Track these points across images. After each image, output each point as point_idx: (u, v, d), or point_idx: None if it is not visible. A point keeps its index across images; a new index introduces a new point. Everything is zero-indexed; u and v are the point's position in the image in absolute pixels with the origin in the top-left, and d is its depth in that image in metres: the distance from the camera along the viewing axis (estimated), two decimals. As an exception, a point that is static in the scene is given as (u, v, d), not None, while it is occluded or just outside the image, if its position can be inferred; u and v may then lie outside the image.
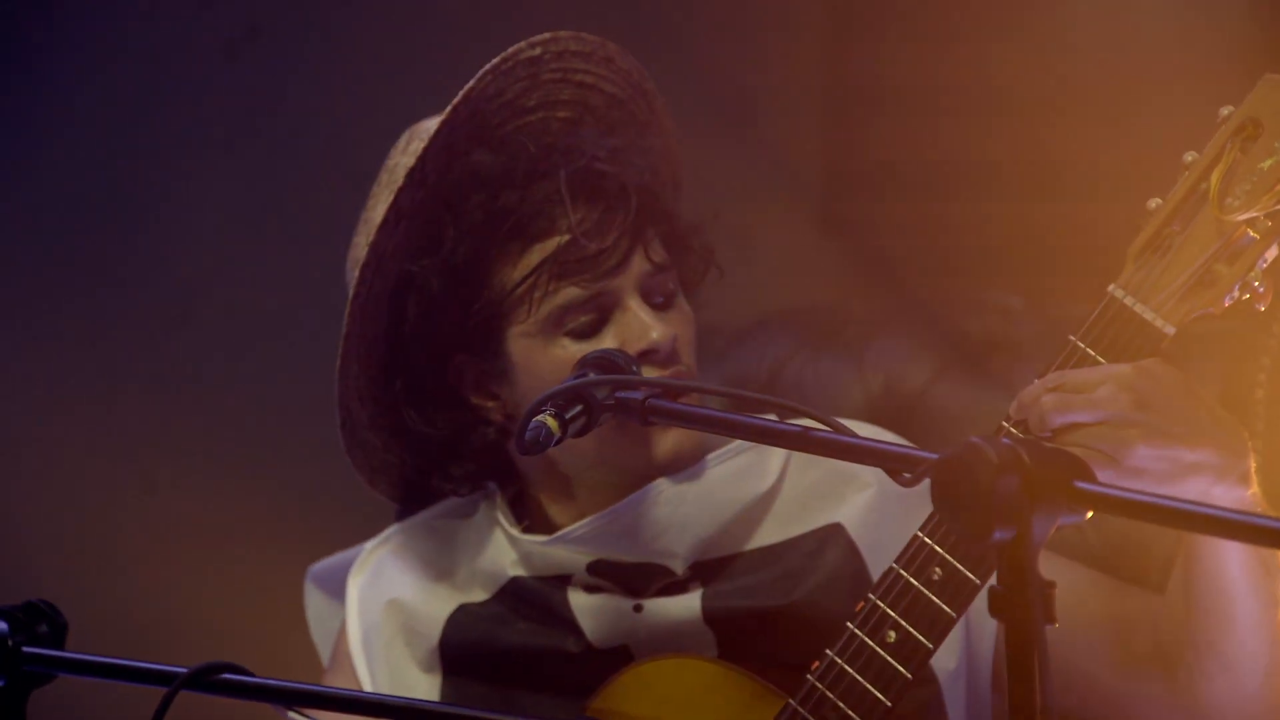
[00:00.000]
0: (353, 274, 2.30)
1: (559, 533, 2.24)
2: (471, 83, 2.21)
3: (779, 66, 3.60)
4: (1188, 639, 2.04)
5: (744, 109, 3.56)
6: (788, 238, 3.55)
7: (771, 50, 3.59)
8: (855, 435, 1.80)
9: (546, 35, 2.25)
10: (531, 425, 1.95)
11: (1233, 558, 1.97)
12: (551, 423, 1.95)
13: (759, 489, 2.25)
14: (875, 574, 2.15)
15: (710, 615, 2.20)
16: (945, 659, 2.17)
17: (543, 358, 2.19)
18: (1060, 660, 2.03)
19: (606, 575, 2.25)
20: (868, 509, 2.24)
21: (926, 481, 2.12)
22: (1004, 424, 1.93)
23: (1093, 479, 1.57)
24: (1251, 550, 1.97)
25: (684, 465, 2.22)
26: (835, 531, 2.24)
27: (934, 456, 1.63)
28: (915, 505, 2.15)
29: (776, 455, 2.27)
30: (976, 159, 3.47)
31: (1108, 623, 2.13)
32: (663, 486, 2.22)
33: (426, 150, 2.18)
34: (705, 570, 2.24)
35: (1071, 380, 1.88)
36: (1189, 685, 2.06)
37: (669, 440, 2.19)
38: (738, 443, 2.26)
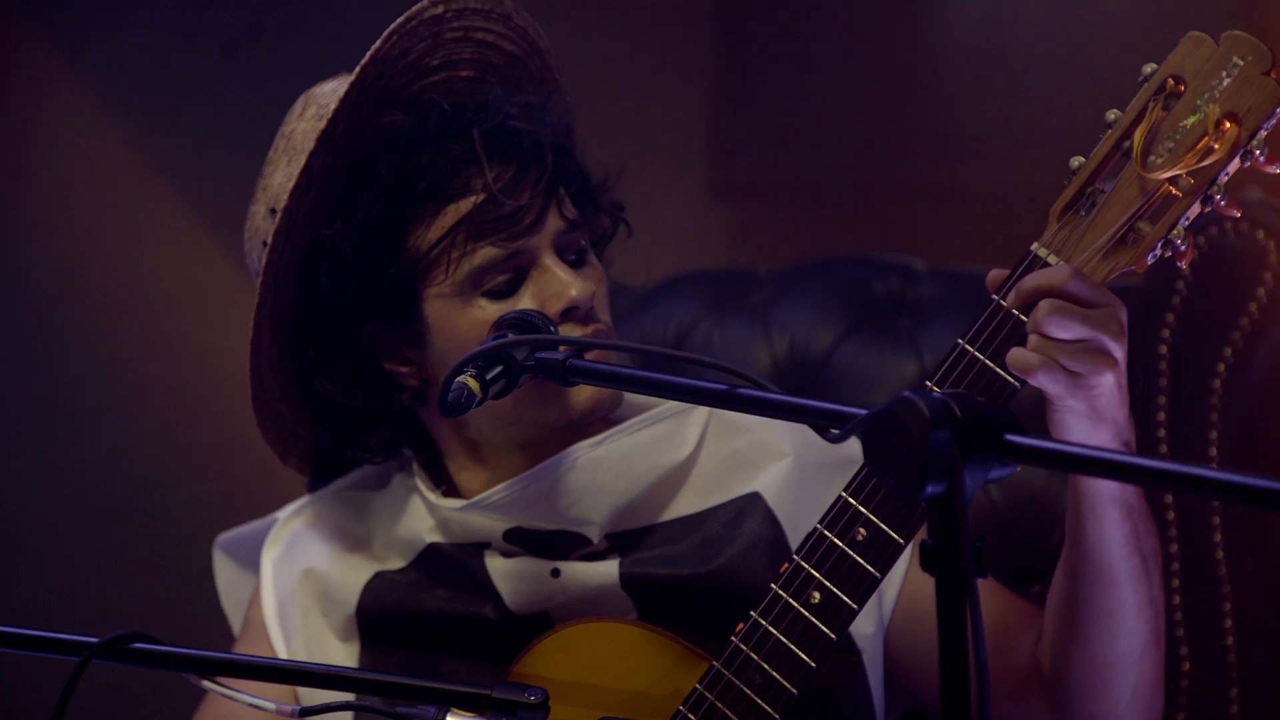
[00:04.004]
0: (254, 242, 2.26)
1: (476, 498, 2.22)
2: (378, 43, 2.18)
3: (665, 27, 3.59)
4: (1067, 640, 2.04)
5: (626, 70, 3.55)
6: (675, 201, 3.55)
7: (657, 8, 3.59)
8: (781, 392, 1.79)
9: None
10: (454, 387, 1.94)
11: (1112, 538, 1.98)
12: (473, 384, 1.94)
13: (676, 457, 2.24)
14: (794, 543, 2.14)
15: (628, 581, 2.19)
16: (863, 624, 2.17)
17: (461, 319, 2.17)
18: (932, 666, 2.05)
19: (523, 543, 2.23)
20: (785, 479, 2.23)
21: (844, 449, 2.15)
22: (928, 384, 1.93)
23: (1022, 432, 1.57)
24: (1131, 542, 1.99)
25: (603, 415, 2.21)
26: (753, 501, 2.23)
27: (863, 412, 1.62)
28: (833, 475, 2.16)
29: (694, 424, 2.26)
30: (867, 123, 3.49)
31: (991, 629, 2.12)
32: (579, 452, 2.20)
33: (337, 113, 2.15)
34: (622, 541, 2.23)
35: (1078, 290, 1.86)
36: (1064, 701, 2.07)
37: (585, 391, 2.18)
38: (655, 410, 2.25)
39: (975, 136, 3.40)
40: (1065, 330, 1.86)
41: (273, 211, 2.21)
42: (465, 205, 2.16)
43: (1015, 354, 1.88)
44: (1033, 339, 1.88)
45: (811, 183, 3.56)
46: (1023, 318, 1.89)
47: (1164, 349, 2.43)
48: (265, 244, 2.20)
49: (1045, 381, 1.87)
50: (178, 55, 3.45)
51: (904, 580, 2.18)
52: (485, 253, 2.16)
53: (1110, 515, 1.97)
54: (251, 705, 1.84)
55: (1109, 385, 1.89)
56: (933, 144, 3.43)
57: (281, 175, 2.23)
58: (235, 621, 2.42)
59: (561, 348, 1.98)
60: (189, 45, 3.45)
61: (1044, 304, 1.86)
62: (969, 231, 3.34)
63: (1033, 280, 1.88)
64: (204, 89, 3.46)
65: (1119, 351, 1.88)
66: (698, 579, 2.18)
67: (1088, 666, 2.03)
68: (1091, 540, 1.98)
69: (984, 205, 3.33)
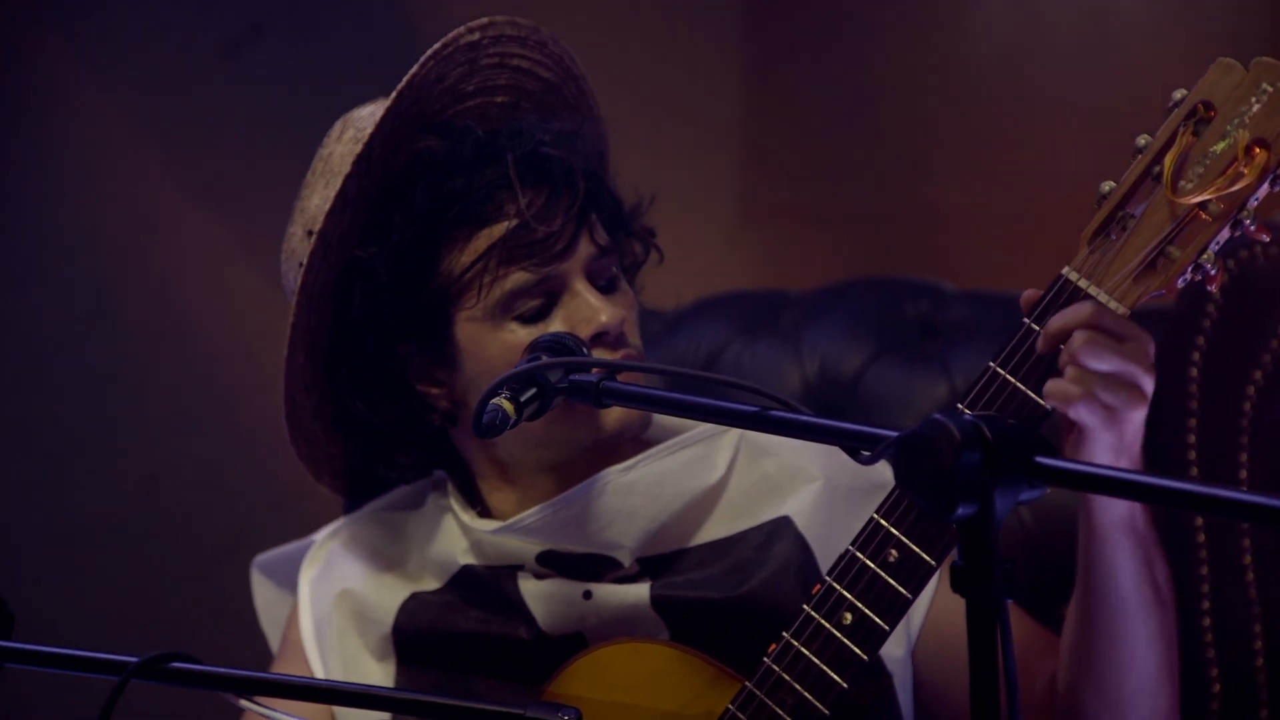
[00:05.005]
0: (290, 263, 2.28)
1: (509, 521, 2.23)
2: (415, 68, 2.21)
3: (696, 52, 3.61)
4: (1080, 673, 2.04)
5: (658, 95, 3.56)
6: (705, 223, 3.56)
7: (687, 34, 3.60)
8: (813, 414, 1.81)
9: (484, 20, 2.25)
10: (489, 409, 1.96)
11: (1124, 568, 1.99)
12: (508, 406, 1.96)
13: (707, 481, 2.25)
14: (824, 566, 2.15)
15: (659, 603, 2.20)
16: (893, 646, 2.17)
17: (492, 343, 2.19)
18: (960, 689, 2.05)
19: (555, 565, 2.24)
20: (815, 502, 2.24)
21: (873, 473, 2.16)
22: (959, 406, 1.94)
23: (1053, 454, 1.58)
24: (1143, 570, 1.99)
25: (633, 436, 2.23)
26: (783, 524, 2.24)
27: (894, 434, 1.63)
28: (862, 498, 2.17)
29: (725, 448, 2.27)
30: (897, 145, 3.49)
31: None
32: (610, 476, 2.21)
33: (373, 136, 2.17)
34: (653, 565, 2.24)
35: (1108, 324, 1.87)
36: None
37: (615, 413, 2.19)
38: (686, 434, 2.26)
39: (1005, 159, 3.41)
40: (1101, 362, 1.87)
41: (309, 234, 2.24)
42: (498, 230, 2.18)
43: (1054, 385, 1.89)
44: (1070, 370, 1.88)
45: (841, 205, 3.57)
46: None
47: (1194, 372, 2.44)
48: (301, 265, 2.22)
49: (1084, 413, 1.88)
50: (215, 76, 3.48)
51: (931, 602, 2.19)
52: (517, 277, 2.18)
53: (1123, 544, 1.98)
54: (288, 724, 1.85)
55: (1140, 420, 1.90)
56: (963, 167, 3.44)
57: (319, 198, 2.25)
58: (273, 641, 2.44)
59: (595, 370, 1.99)
60: (227, 64, 3.47)
61: (1079, 335, 1.87)
62: (999, 254, 3.35)
63: (1057, 321, 1.89)
64: (240, 108, 3.48)
65: (1149, 386, 1.89)
66: (728, 602, 2.19)
67: (1099, 699, 2.04)
68: (1105, 569, 1.99)
69: (1014, 228, 3.34)
